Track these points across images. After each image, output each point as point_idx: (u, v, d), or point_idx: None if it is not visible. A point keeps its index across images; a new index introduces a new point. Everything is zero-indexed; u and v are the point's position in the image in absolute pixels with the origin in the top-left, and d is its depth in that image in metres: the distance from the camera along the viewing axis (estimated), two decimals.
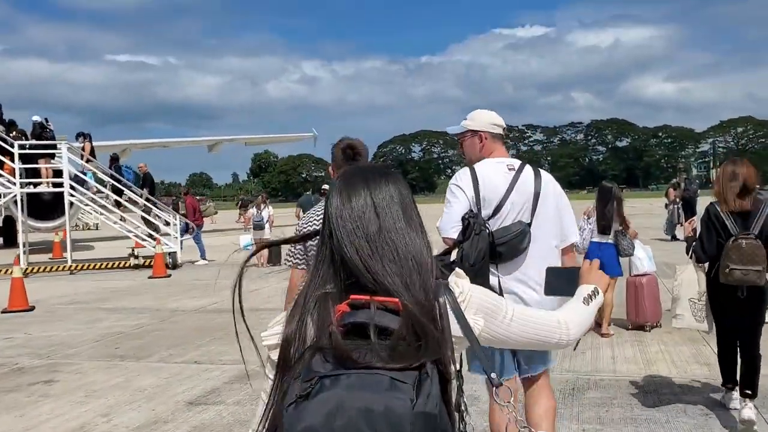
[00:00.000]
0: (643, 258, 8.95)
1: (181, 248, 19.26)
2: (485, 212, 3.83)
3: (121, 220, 20.04)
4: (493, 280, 3.73)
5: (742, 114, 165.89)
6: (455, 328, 1.65)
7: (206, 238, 20.95)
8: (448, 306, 1.65)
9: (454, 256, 3.63)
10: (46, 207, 19.46)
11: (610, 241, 8.59)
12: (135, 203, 20.11)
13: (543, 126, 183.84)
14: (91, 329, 9.92)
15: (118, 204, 19.91)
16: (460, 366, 1.73)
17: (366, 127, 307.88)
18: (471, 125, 4.21)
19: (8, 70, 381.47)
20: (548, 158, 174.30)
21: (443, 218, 3.91)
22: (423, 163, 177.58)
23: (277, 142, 38.85)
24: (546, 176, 4.08)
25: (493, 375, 1.74)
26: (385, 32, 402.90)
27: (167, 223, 19.77)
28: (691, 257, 5.56)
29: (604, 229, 8.54)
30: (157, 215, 20.00)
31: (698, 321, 5.69)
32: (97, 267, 18.26)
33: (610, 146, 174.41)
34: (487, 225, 3.77)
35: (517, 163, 4.02)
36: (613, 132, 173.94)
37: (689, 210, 19.28)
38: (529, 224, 3.85)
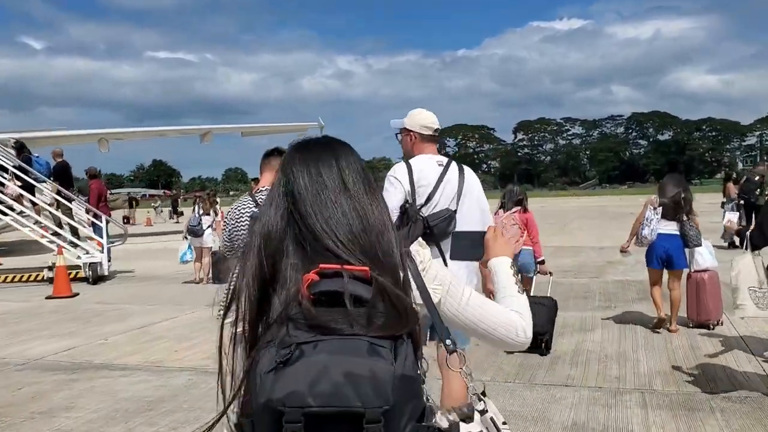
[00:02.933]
0: (704, 253, 8.59)
1: (109, 257, 15.58)
2: (419, 201, 4.43)
3: (35, 223, 16.49)
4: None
5: None
6: (416, 296, 1.67)
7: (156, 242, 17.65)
8: (409, 273, 1.67)
9: None
10: None
11: (676, 232, 8.30)
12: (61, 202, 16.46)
13: (582, 119, 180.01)
14: None
15: (32, 203, 16.57)
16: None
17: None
18: (406, 123, 4.71)
19: (51, 67, 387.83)
20: (587, 152, 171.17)
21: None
22: (458, 158, 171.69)
23: (277, 132, 35.81)
24: (468, 171, 4.69)
25: (447, 341, 1.75)
26: (421, 27, 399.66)
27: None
28: (745, 247, 5.76)
29: (673, 219, 8.27)
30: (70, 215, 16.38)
31: (761, 309, 5.79)
32: (7, 280, 15.40)
33: (651, 140, 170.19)
34: (420, 213, 4.38)
35: (444, 159, 4.63)
36: (655, 125, 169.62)
37: (750, 211, 16.33)
38: (455, 211, 4.47)
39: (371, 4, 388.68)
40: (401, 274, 1.63)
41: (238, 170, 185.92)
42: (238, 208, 4.91)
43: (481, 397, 1.82)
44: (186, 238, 14.61)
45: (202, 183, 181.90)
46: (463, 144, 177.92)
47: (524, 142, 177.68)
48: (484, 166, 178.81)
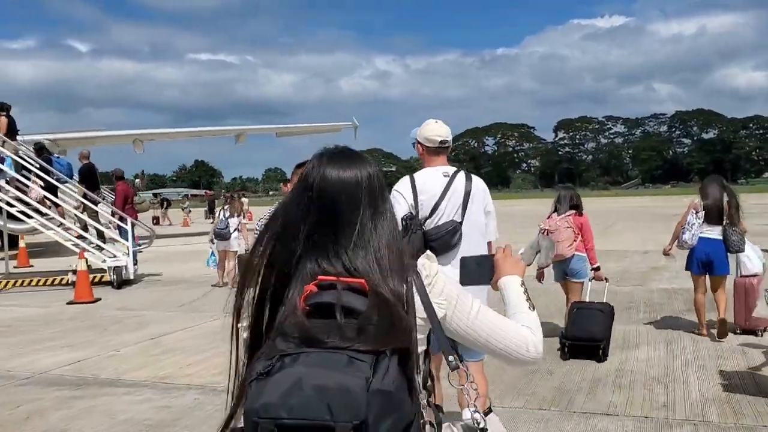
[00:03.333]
0: (752, 257, 8.23)
1: (135, 260, 15.18)
2: (423, 213, 4.52)
3: (59, 225, 15.84)
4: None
5: None
6: (420, 310, 1.69)
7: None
8: (414, 287, 1.68)
9: None
10: None
11: (718, 236, 8.06)
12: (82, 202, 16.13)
13: (624, 117, 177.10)
14: None
15: (53, 203, 16.05)
16: (427, 346, 1.77)
17: (439, 119, 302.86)
18: (416, 135, 4.79)
19: (97, 69, 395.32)
20: (630, 151, 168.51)
21: None
22: (497, 157, 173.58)
23: (311, 132, 35.20)
24: (476, 180, 4.73)
25: (450, 358, 1.74)
26: (460, 26, 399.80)
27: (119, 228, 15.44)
28: None
29: (715, 223, 8.06)
30: (94, 218, 15.85)
31: None
32: (32, 283, 14.90)
33: (695, 138, 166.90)
34: (422, 225, 4.49)
35: (451, 170, 4.67)
36: (699, 123, 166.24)
37: None
38: (461, 222, 4.52)
39: (409, 3, 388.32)
40: (404, 288, 1.65)
41: (277, 170, 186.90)
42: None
43: (482, 416, 1.81)
44: (212, 241, 14.15)
45: (242, 183, 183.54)
46: (503, 143, 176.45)
47: (565, 141, 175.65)
48: (524, 165, 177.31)
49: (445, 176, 4.62)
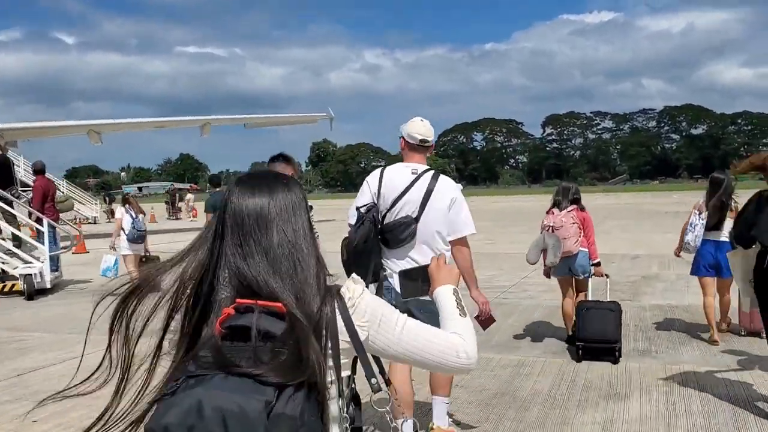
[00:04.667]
0: None
1: (56, 266, 13.69)
2: (384, 205, 4.72)
3: None
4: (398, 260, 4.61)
5: None
6: (343, 333, 1.68)
7: None
8: (337, 311, 1.69)
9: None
10: None
11: (725, 238, 7.67)
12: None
13: (612, 113, 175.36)
14: None
15: None
16: (352, 371, 1.75)
17: (427, 115, 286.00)
18: (402, 130, 4.98)
19: (84, 63, 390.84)
20: (618, 146, 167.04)
21: (351, 207, 4.87)
22: (485, 153, 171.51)
23: (284, 123, 33.37)
24: (443, 180, 4.80)
25: (373, 380, 1.73)
26: (449, 20, 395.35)
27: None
28: None
29: (717, 225, 7.84)
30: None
31: None
32: None
33: (684, 134, 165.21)
34: (375, 216, 4.68)
35: (421, 168, 4.81)
36: (688, 119, 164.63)
37: None
38: (416, 219, 4.65)
39: None
40: (322, 312, 1.65)
41: (263, 163, 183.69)
42: None
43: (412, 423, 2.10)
44: (113, 248, 12.74)
45: (228, 177, 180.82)
46: (491, 138, 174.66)
47: (553, 137, 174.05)
48: (512, 160, 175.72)
49: (413, 173, 4.77)
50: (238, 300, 1.58)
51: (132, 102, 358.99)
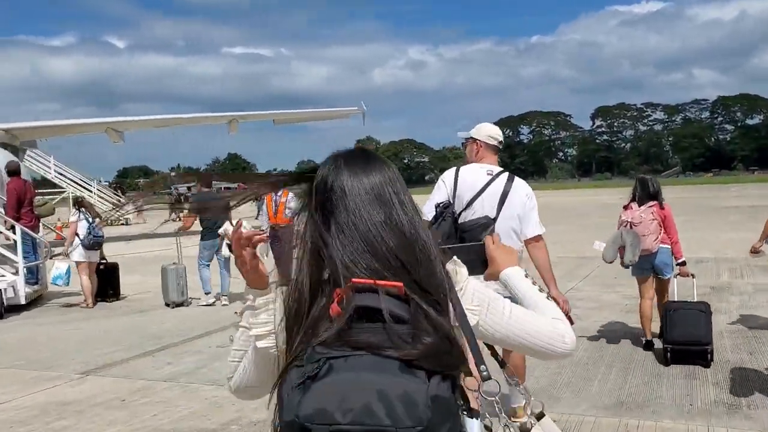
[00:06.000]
0: None
1: (35, 278, 12.52)
2: (459, 205, 4.87)
3: None
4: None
5: None
6: (452, 318, 1.61)
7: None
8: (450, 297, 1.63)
9: None
10: None
11: None
12: None
13: (664, 104, 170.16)
14: None
15: None
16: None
17: (472, 109, 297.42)
18: (473, 134, 5.21)
19: (134, 65, 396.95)
20: (669, 138, 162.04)
21: (426, 205, 4.86)
22: (532, 146, 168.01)
23: (314, 119, 31.90)
24: (518, 182, 5.03)
25: (482, 367, 1.64)
26: (494, 14, 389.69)
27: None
28: None
29: None
30: None
31: None
32: None
33: (739, 124, 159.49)
34: (454, 213, 4.83)
35: (497, 169, 5.02)
36: (743, 109, 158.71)
37: None
38: (494, 219, 4.81)
39: None
40: (443, 297, 1.59)
41: (310, 161, 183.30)
42: None
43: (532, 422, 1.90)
44: (68, 255, 11.97)
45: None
46: (538, 131, 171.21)
47: (603, 129, 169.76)
48: (561, 154, 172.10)
49: (488, 174, 4.98)
50: (353, 279, 1.51)
51: (180, 103, 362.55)
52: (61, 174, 40.84)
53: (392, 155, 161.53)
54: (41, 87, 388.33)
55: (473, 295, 1.70)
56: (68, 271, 12.10)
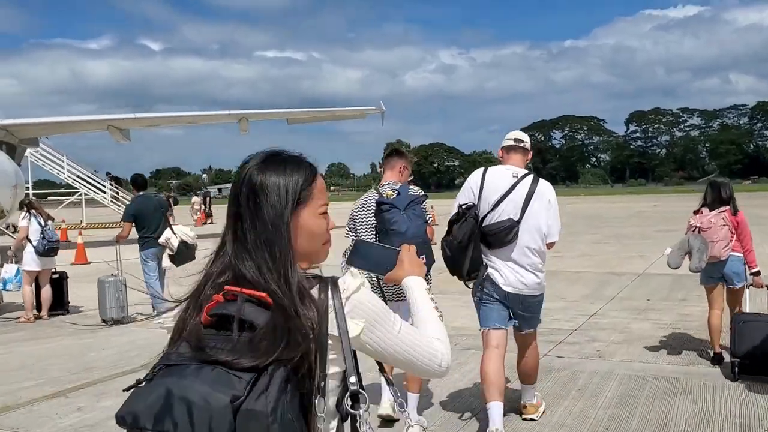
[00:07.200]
0: None
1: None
2: (485, 207, 4.98)
3: None
4: (500, 259, 4.99)
5: None
6: (333, 327, 1.63)
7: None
8: (331, 303, 1.65)
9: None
10: None
11: None
12: None
13: (701, 109, 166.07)
14: None
15: None
16: (355, 366, 1.70)
17: (504, 113, 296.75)
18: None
19: (169, 68, 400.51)
20: (706, 144, 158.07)
21: (453, 205, 5.14)
22: (565, 151, 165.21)
23: (329, 118, 30.49)
24: (543, 183, 5.11)
25: (352, 378, 1.65)
26: (526, 18, 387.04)
27: None
28: None
29: None
30: None
31: None
32: None
33: None
34: (477, 215, 4.96)
35: (522, 172, 5.11)
36: None
37: None
38: (518, 221, 4.91)
39: None
40: (314, 305, 1.62)
41: (341, 165, 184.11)
42: (365, 199, 5.66)
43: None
44: (14, 260, 10.80)
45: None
46: (571, 136, 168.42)
47: (637, 134, 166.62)
48: (593, 159, 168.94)
49: (513, 177, 5.05)
50: (226, 287, 1.56)
51: (214, 106, 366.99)
52: (76, 175, 39.75)
53: (422, 158, 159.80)
54: (79, 89, 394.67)
55: (361, 307, 1.68)
56: (18, 275, 10.70)
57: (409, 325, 1.80)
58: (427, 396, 6.16)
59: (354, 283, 1.69)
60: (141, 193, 10.91)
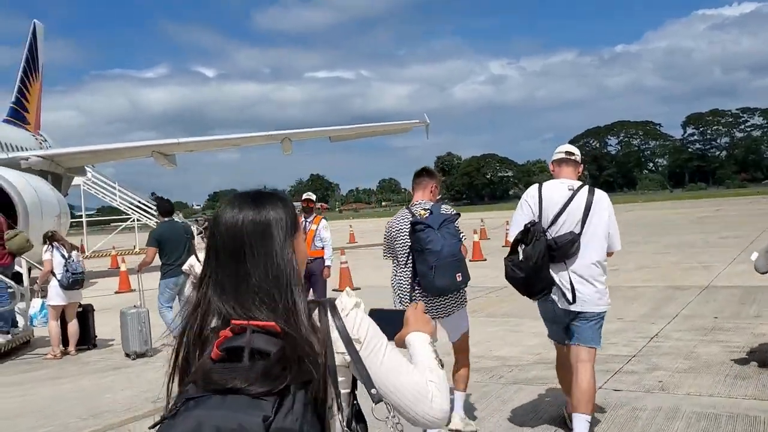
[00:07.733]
0: None
1: (7, 328, 10.53)
2: (545, 222, 4.98)
3: None
4: (561, 273, 4.96)
5: None
6: (338, 344, 1.70)
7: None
8: (332, 324, 1.71)
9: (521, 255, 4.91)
10: None
11: None
12: None
13: (762, 108, 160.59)
14: None
15: None
16: (353, 387, 1.77)
17: (556, 121, 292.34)
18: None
19: (224, 93, 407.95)
20: None
21: (512, 224, 5.16)
22: (621, 157, 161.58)
23: (373, 134, 30.18)
24: (599, 194, 5.08)
25: (372, 390, 1.70)
26: (574, 24, 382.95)
27: None
28: None
29: None
30: None
31: None
32: None
33: None
34: (546, 232, 4.94)
35: (577, 184, 5.12)
36: None
37: None
38: (579, 234, 4.92)
39: (522, 5, 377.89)
40: (310, 325, 1.66)
41: (392, 180, 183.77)
42: (398, 219, 5.67)
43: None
44: (40, 294, 10.61)
45: (358, 195, 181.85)
46: (626, 142, 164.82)
47: (695, 137, 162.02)
48: (651, 164, 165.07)
49: (569, 189, 5.06)
50: (233, 321, 1.58)
51: (267, 128, 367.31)
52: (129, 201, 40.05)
53: (474, 170, 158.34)
54: (137, 117, 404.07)
55: (359, 326, 1.73)
56: (43, 308, 10.33)
57: (398, 353, 1.80)
58: None
59: (350, 302, 1.77)
60: (167, 219, 10.55)
